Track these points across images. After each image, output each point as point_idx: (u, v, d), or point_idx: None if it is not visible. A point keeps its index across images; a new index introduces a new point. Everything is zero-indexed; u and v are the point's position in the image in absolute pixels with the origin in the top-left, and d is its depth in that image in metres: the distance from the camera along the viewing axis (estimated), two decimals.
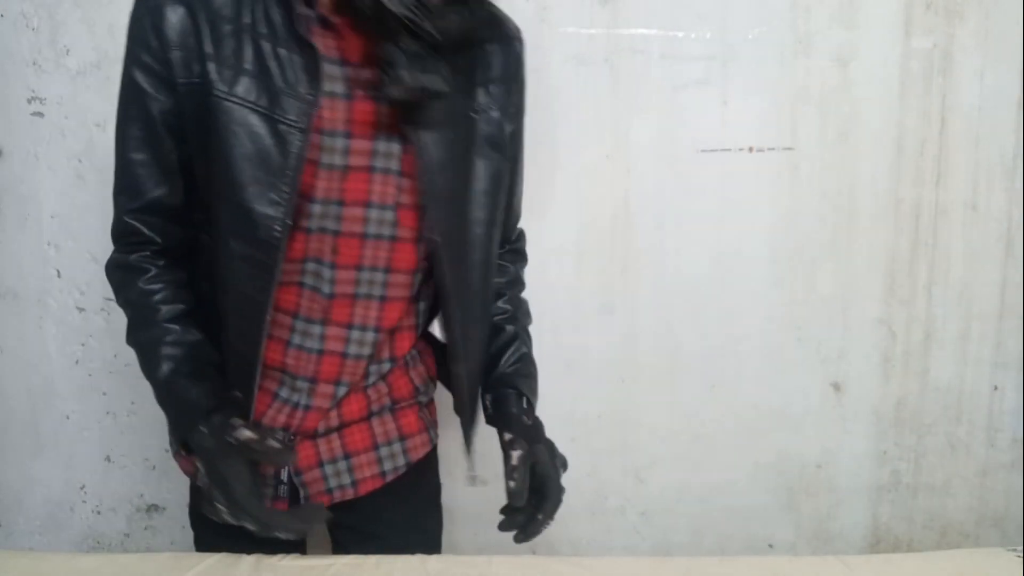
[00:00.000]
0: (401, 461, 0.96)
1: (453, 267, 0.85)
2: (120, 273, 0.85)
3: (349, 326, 0.85)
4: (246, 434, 0.75)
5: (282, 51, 0.76)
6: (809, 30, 1.42)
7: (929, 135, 1.46)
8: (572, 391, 1.52)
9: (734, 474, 1.58)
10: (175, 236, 0.85)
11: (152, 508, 1.63)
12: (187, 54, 0.76)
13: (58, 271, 1.53)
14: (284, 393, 0.87)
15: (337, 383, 0.87)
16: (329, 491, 0.92)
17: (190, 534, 1.69)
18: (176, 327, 0.82)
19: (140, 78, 0.78)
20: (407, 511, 1.00)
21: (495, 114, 0.88)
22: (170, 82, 0.77)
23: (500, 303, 1.01)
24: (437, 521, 1.08)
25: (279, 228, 0.77)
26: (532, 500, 0.88)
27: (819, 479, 1.59)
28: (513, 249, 1.06)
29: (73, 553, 1.26)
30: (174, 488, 1.61)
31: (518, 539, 0.88)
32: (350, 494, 0.93)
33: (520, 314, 1.03)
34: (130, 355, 1.55)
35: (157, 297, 0.83)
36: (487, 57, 0.87)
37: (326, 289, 0.83)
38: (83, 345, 1.55)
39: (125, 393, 1.57)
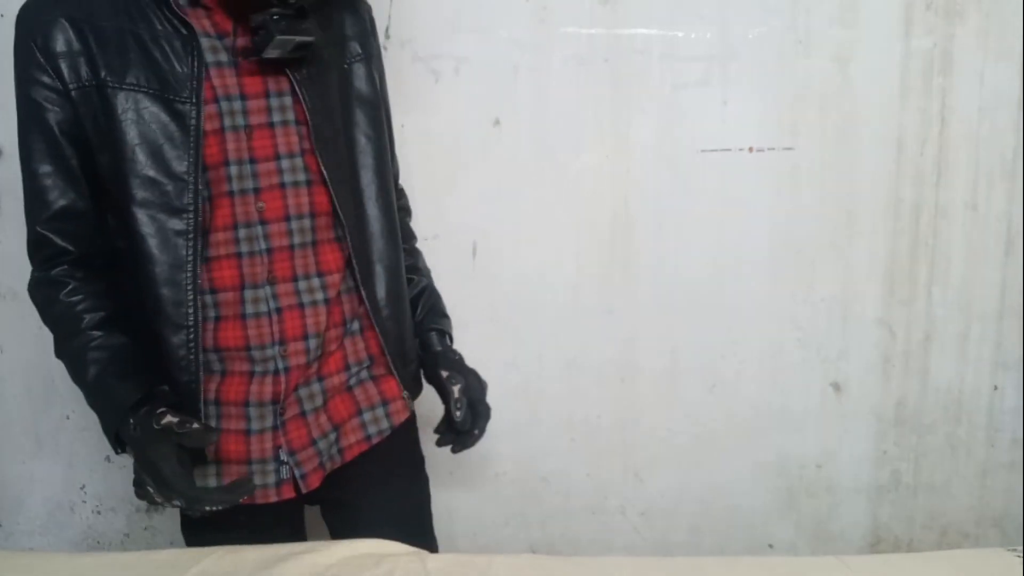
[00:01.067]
0: (385, 424, 1.00)
1: (352, 210, 0.93)
2: (42, 291, 0.90)
3: (294, 279, 0.90)
4: (168, 419, 0.79)
5: (161, 39, 0.82)
6: (809, 30, 1.42)
7: (929, 135, 1.47)
8: (572, 391, 1.53)
9: (734, 474, 1.58)
10: (88, 242, 0.88)
11: (152, 508, 1.63)
12: (74, 60, 0.81)
13: None
14: (259, 368, 0.90)
15: (305, 337, 0.91)
16: (322, 465, 0.95)
17: None
18: (99, 332, 0.86)
19: (34, 93, 0.82)
20: (394, 481, 1.03)
21: (362, 66, 0.97)
22: (63, 91, 0.81)
23: (405, 258, 1.07)
24: (424, 492, 1.11)
25: (191, 196, 0.82)
26: (467, 420, 1.00)
27: (819, 479, 1.59)
28: (403, 205, 1.13)
29: (73, 553, 1.25)
30: None
31: (455, 451, 1.01)
32: (338, 462, 0.96)
33: (418, 260, 1.13)
34: None
35: (79, 308, 0.87)
36: (342, 18, 0.96)
37: (263, 245, 0.87)
38: None
39: None
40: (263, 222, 0.87)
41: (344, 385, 0.96)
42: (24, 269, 1.58)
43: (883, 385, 1.56)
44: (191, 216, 0.83)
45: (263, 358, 0.89)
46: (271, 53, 0.82)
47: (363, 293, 0.95)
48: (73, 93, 0.81)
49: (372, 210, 0.96)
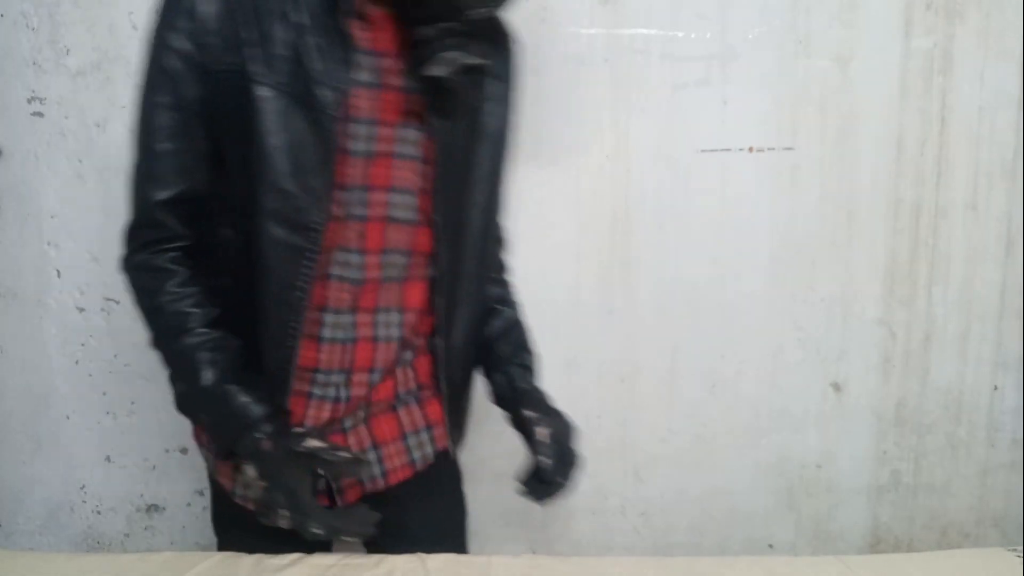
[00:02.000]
0: (429, 449, 0.96)
1: (450, 247, 0.88)
2: (145, 276, 0.82)
3: (375, 310, 0.86)
4: (314, 443, 0.74)
5: (317, 39, 0.75)
6: (809, 30, 1.42)
7: (929, 135, 1.46)
8: (572, 391, 1.52)
9: (734, 474, 1.58)
10: (201, 231, 0.82)
11: (152, 508, 1.63)
12: (223, 40, 0.74)
13: (58, 271, 1.53)
14: (318, 391, 0.86)
15: (371, 370, 0.88)
16: (360, 483, 0.91)
17: (190, 534, 1.69)
18: (215, 333, 0.80)
19: (172, 63, 0.75)
20: (436, 503, 0.99)
21: (498, 106, 0.90)
22: (204, 68, 0.75)
23: (494, 288, 1.03)
24: (463, 510, 1.08)
25: (320, 215, 0.77)
26: (554, 468, 0.90)
27: (819, 479, 1.59)
28: (499, 237, 1.07)
29: (73, 553, 1.25)
30: (174, 488, 1.61)
31: (540, 502, 0.91)
32: (380, 484, 0.93)
33: (507, 292, 1.06)
34: (130, 355, 1.57)
35: (191, 301, 0.80)
36: (494, 52, 0.88)
37: (356, 276, 0.83)
38: (83, 345, 1.55)
39: (125, 393, 1.57)
40: (361, 251, 0.83)
41: (389, 405, 0.93)
42: (24, 269, 1.58)
43: (883, 385, 1.56)
44: (317, 235, 0.78)
45: (326, 383, 0.86)
46: (434, 70, 0.76)
47: (439, 334, 0.91)
48: (216, 75, 0.75)
49: (469, 251, 0.91)
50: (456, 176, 0.86)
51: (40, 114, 1.47)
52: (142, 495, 1.62)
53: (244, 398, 0.78)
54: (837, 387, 1.56)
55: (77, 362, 1.56)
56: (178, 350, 0.81)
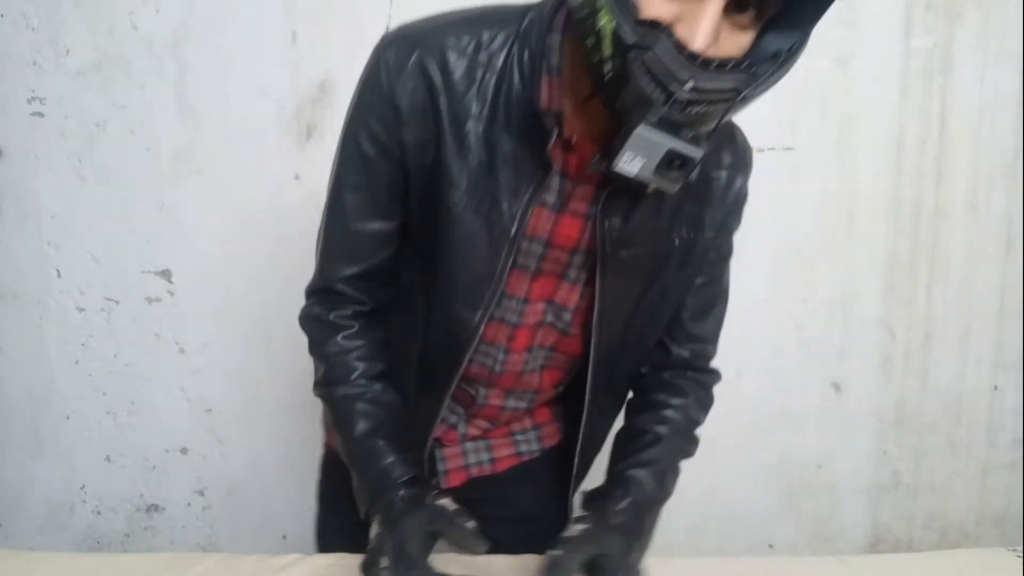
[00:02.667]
0: (535, 446, 0.97)
1: (600, 359, 0.83)
2: (318, 327, 0.82)
3: (510, 392, 0.88)
4: (445, 503, 0.74)
5: (514, 154, 0.71)
6: None
7: (929, 135, 1.46)
8: None
9: (734, 474, 1.58)
10: (382, 298, 0.83)
11: (152, 508, 1.63)
12: (421, 136, 0.71)
13: (58, 271, 1.53)
14: (442, 413, 0.89)
15: (493, 421, 0.92)
16: (467, 467, 0.93)
17: (190, 534, 1.69)
18: (375, 386, 0.81)
19: (368, 147, 0.73)
20: (535, 496, 0.99)
21: (693, 235, 0.83)
22: (397, 158, 0.74)
23: (658, 413, 0.89)
24: (559, 518, 0.97)
25: (475, 325, 0.77)
26: None
27: (819, 479, 1.59)
28: (695, 377, 0.91)
29: (73, 553, 1.25)
30: (174, 488, 1.61)
31: None
32: (487, 470, 0.94)
33: (673, 433, 0.88)
34: (130, 355, 1.57)
35: (357, 353, 0.81)
36: (693, 190, 0.81)
37: (497, 368, 0.85)
38: (83, 345, 1.56)
39: (125, 393, 1.57)
40: (507, 350, 0.83)
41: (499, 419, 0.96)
42: (24, 269, 1.58)
43: (883, 385, 1.56)
44: (473, 333, 0.78)
45: (452, 411, 0.90)
46: (623, 164, 0.62)
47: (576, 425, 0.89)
48: (408, 166, 0.74)
49: (614, 364, 0.85)
50: (619, 317, 0.82)
51: (40, 114, 1.47)
52: (142, 495, 1.63)
53: (390, 458, 0.78)
54: (837, 387, 1.56)
55: (77, 362, 1.56)
56: (338, 399, 0.82)
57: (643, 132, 0.58)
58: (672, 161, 0.60)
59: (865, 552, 1.61)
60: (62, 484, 1.63)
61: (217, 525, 1.63)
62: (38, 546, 1.65)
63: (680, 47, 0.57)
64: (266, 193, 1.48)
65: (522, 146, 0.71)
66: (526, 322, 0.81)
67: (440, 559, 0.88)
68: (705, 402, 0.91)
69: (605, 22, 0.57)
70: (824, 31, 1.35)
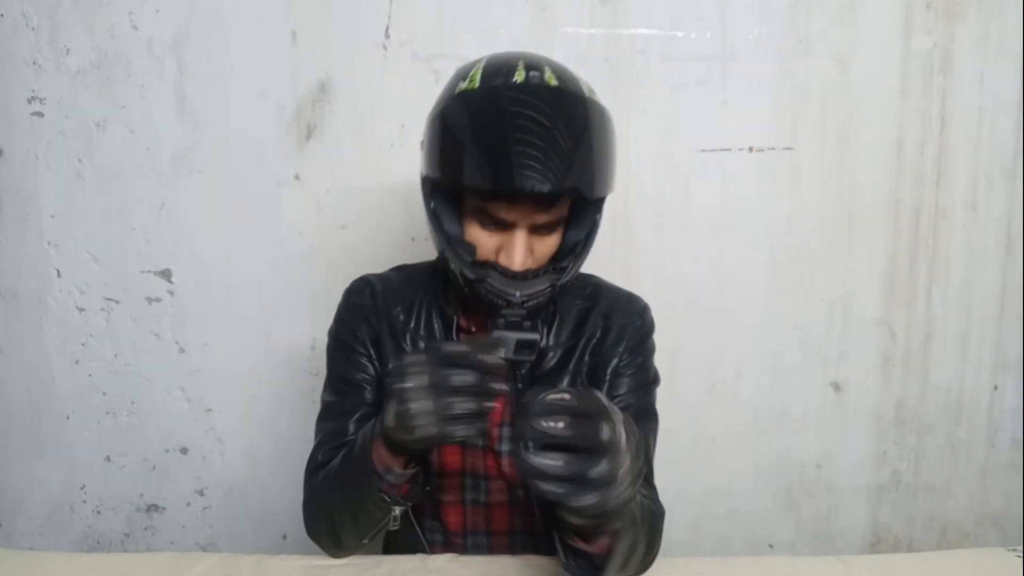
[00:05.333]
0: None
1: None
2: (319, 475, 0.90)
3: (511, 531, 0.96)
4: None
5: (427, 337, 0.94)
6: (809, 30, 1.42)
7: (929, 135, 1.47)
8: None
9: (734, 474, 1.58)
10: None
11: (152, 508, 1.63)
12: (372, 332, 0.94)
13: (58, 271, 1.53)
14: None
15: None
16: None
17: (190, 534, 1.69)
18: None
19: (352, 361, 0.94)
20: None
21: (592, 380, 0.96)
22: (375, 370, 0.94)
23: None
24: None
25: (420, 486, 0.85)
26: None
27: (819, 479, 1.59)
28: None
29: (73, 553, 1.25)
30: (174, 488, 1.61)
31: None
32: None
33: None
34: (130, 355, 1.57)
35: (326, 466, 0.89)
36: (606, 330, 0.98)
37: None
38: (83, 345, 1.56)
39: (125, 393, 1.57)
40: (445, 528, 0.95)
41: None
42: (24, 269, 1.58)
43: (883, 385, 1.56)
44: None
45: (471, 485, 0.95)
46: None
47: None
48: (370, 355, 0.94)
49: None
50: None
51: (40, 114, 1.47)
52: (142, 495, 1.63)
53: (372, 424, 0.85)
54: (837, 387, 1.56)
55: (77, 362, 1.56)
56: (347, 455, 0.85)
57: (497, 334, 0.80)
58: (521, 347, 0.80)
59: (865, 552, 1.61)
60: (62, 484, 1.63)
61: (217, 525, 1.63)
62: (38, 546, 1.65)
63: (506, 272, 0.81)
64: (266, 193, 1.47)
65: (431, 330, 0.94)
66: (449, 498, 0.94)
67: (439, 559, 0.88)
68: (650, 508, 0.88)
69: (455, 267, 0.83)
70: (824, 31, 1.35)
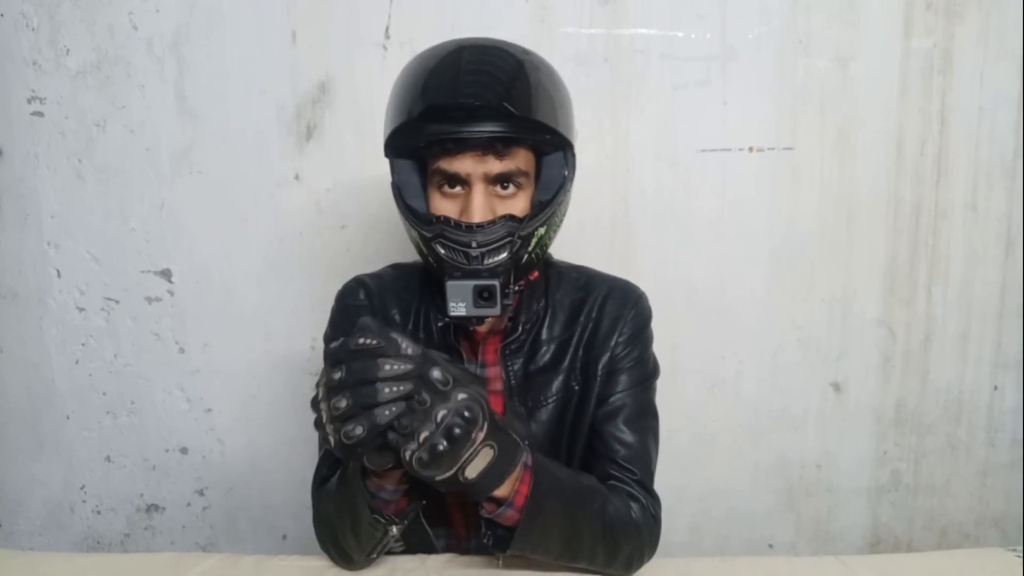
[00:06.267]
0: None
1: None
2: (323, 491, 0.90)
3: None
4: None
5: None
6: (809, 30, 1.42)
7: (929, 135, 1.46)
8: None
9: (734, 474, 1.58)
10: None
11: (152, 508, 1.63)
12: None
13: (58, 271, 1.53)
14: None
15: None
16: None
17: (190, 534, 1.69)
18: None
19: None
20: None
21: (585, 382, 0.94)
22: None
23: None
24: None
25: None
26: None
27: (819, 479, 1.59)
28: (616, 485, 0.90)
29: (73, 553, 1.25)
30: (174, 488, 1.61)
31: None
32: None
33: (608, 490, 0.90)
34: (130, 355, 1.57)
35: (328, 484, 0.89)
36: (601, 321, 0.96)
37: None
38: (83, 345, 1.56)
39: (125, 393, 1.57)
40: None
41: None
42: (24, 269, 1.58)
43: (883, 385, 1.56)
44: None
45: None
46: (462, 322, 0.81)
47: None
48: None
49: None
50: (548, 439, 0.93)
51: (40, 114, 1.47)
52: (142, 495, 1.63)
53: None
54: (837, 387, 1.56)
55: (77, 362, 1.56)
56: (342, 474, 0.83)
57: (452, 283, 0.78)
58: (481, 294, 0.77)
59: (865, 552, 1.61)
60: (62, 484, 1.63)
61: (217, 525, 1.63)
62: (38, 546, 1.65)
63: (461, 225, 0.79)
64: (266, 193, 1.48)
65: (440, 345, 0.92)
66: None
67: (439, 559, 0.88)
68: (621, 497, 0.88)
69: (413, 237, 0.84)
70: (824, 31, 1.35)
